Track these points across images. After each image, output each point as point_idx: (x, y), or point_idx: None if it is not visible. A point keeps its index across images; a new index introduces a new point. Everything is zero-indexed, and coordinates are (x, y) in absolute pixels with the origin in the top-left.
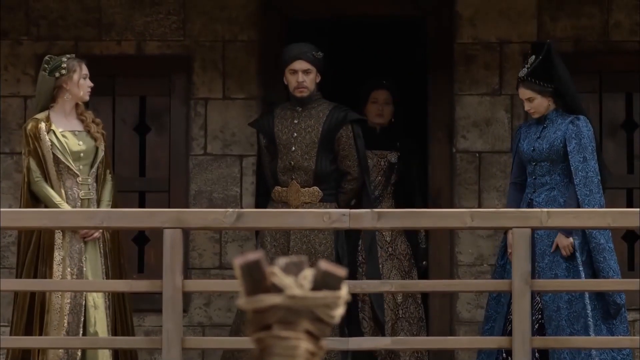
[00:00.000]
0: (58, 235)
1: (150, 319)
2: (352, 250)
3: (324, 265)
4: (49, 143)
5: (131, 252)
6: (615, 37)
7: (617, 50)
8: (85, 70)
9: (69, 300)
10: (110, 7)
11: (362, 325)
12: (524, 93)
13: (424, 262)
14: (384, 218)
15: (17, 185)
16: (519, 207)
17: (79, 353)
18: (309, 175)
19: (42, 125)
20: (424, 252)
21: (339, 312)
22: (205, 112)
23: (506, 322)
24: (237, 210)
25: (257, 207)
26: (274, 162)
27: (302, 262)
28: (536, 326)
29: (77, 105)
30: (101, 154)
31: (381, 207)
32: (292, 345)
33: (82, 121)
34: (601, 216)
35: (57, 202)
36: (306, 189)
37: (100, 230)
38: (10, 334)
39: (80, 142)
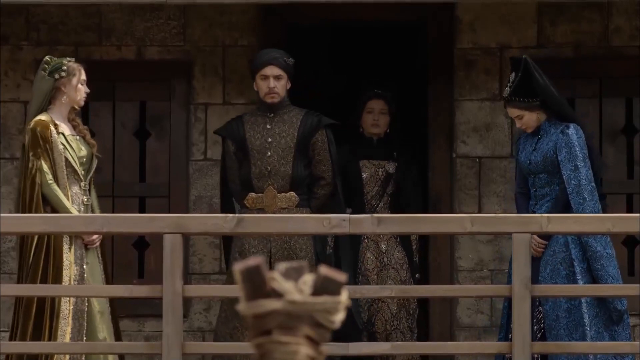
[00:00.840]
0: (65, 240)
1: (150, 324)
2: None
3: (324, 270)
4: (61, 146)
5: (131, 257)
6: (615, 42)
7: (617, 55)
8: (84, 75)
9: (72, 306)
10: (110, 12)
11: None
12: (512, 112)
13: (417, 275)
14: (384, 223)
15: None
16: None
17: (83, 358)
18: (286, 180)
19: (52, 127)
20: (416, 265)
21: (339, 317)
22: (206, 117)
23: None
24: (237, 215)
25: (227, 209)
26: (245, 168)
27: (302, 268)
28: (538, 335)
29: (70, 111)
30: (96, 160)
31: None
32: (292, 351)
33: (74, 127)
34: (601, 221)
35: (67, 207)
36: (283, 194)
37: (101, 237)
38: (15, 338)
39: (82, 147)
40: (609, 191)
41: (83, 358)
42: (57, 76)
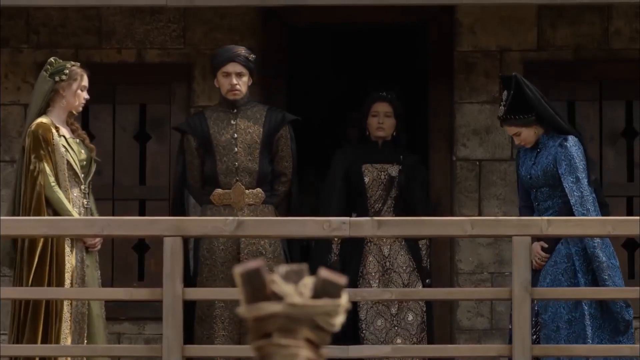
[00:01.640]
0: (67, 243)
1: (151, 327)
2: (301, 251)
3: (324, 273)
4: (63, 149)
5: (131, 260)
6: (615, 44)
7: (617, 58)
8: (85, 81)
9: (73, 309)
10: (110, 15)
11: None
12: (510, 130)
13: (428, 281)
14: (384, 226)
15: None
16: None
17: None
18: (253, 176)
19: (53, 129)
20: (427, 270)
21: (339, 320)
22: None
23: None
24: (237, 218)
25: (174, 212)
26: (209, 164)
27: (302, 270)
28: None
29: (69, 114)
30: (94, 164)
31: None
32: (292, 353)
33: (72, 131)
34: (601, 224)
35: (69, 210)
36: (250, 190)
37: (102, 241)
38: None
39: (82, 151)
40: (609, 194)
41: None
42: (57, 78)
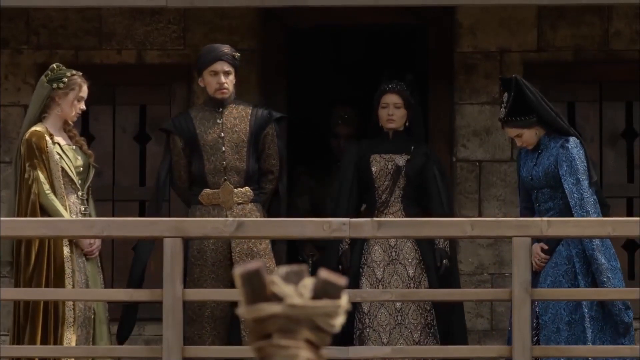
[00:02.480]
0: (66, 249)
1: (151, 328)
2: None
3: (324, 274)
4: (57, 156)
5: (131, 262)
6: (615, 46)
7: (617, 59)
8: (84, 92)
9: (79, 314)
10: (110, 16)
11: None
12: (511, 132)
13: (445, 261)
14: (385, 227)
15: None
16: None
17: None
18: (241, 175)
19: (47, 137)
20: (444, 252)
21: (339, 321)
22: None
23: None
24: (237, 219)
25: (153, 211)
26: (197, 164)
27: (302, 271)
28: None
29: (65, 121)
30: (93, 170)
31: (388, 212)
32: (292, 354)
33: (70, 138)
34: (601, 225)
35: (65, 217)
36: (239, 189)
37: (100, 247)
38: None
39: (78, 157)
40: (609, 195)
41: None
42: (55, 85)
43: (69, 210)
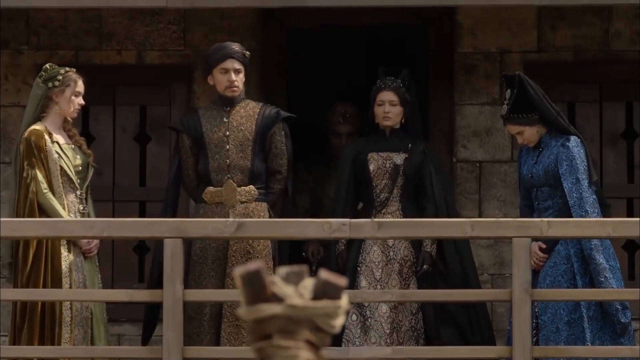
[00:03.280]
0: (63, 247)
1: None
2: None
3: (324, 274)
4: (56, 155)
5: (131, 262)
6: (615, 46)
7: (618, 60)
8: (80, 87)
9: (76, 314)
10: (110, 17)
11: None
12: (512, 129)
13: (425, 266)
14: (384, 228)
15: None
16: None
17: None
18: (245, 174)
19: (46, 136)
20: (428, 255)
21: (339, 321)
22: None
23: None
24: (237, 219)
25: (170, 210)
26: (202, 162)
27: (302, 272)
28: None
29: (64, 120)
30: (92, 170)
31: (387, 211)
32: (292, 355)
33: (70, 137)
34: (601, 225)
35: (63, 216)
36: (242, 188)
37: (98, 246)
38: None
39: (77, 156)
40: (609, 195)
41: None
42: (50, 85)
43: (68, 209)
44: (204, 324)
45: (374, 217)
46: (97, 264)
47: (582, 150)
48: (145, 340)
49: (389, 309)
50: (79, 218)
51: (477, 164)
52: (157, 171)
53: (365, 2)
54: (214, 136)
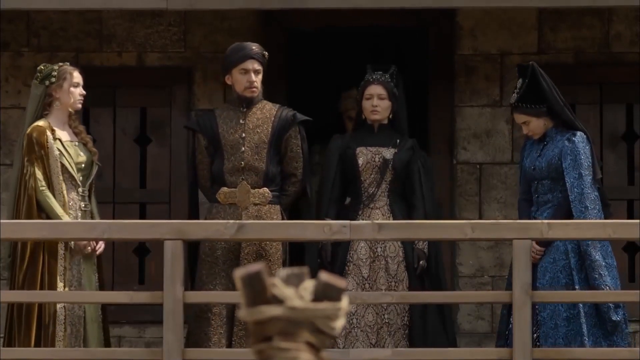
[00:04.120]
0: (60, 246)
1: (151, 331)
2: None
3: (325, 276)
4: (57, 152)
5: (132, 264)
6: (615, 48)
7: (618, 62)
8: (77, 78)
9: (68, 312)
10: (111, 19)
11: None
12: (519, 118)
13: (422, 262)
14: (384, 229)
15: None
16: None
17: None
18: (260, 176)
19: (49, 133)
20: (422, 252)
21: (340, 323)
22: None
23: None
24: (237, 221)
25: (193, 212)
26: (217, 163)
27: (303, 274)
28: (537, 345)
29: (70, 117)
30: (96, 167)
31: (375, 206)
32: (293, 357)
33: (76, 134)
34: (601, 227)
35: (60, 214)
36: (256, 190)
37: (103, 248)
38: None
39: (81, 153)
40: (610, 197)
41: None
42: (47, 83)
43: (69, 207)
44: (213, 324)
45: (362, 212)
46: (96, 264)
47: (587, 147)
48: (192, 281)
49: (375, 317)
50: (79, 215)
51: (478, 166)
52: (157, 173)
53: (366, 4)
54: (230, 137)
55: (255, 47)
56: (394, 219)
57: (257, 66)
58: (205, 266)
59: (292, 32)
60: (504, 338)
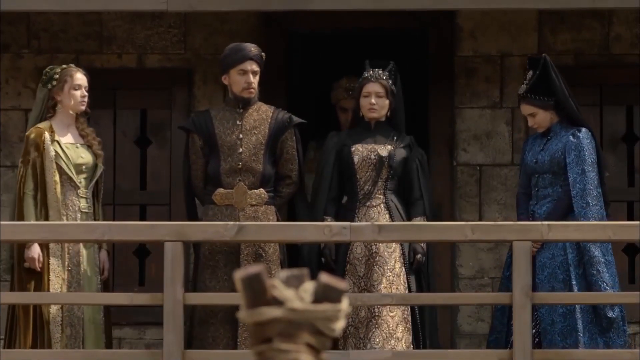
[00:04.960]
0: (58, 247)
1: (151, 332)
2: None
3: (325, 278)
4: (53, 153)
5: (132, 265)
6: (615, 50)
7: (618, 63)
8: (78, 80)
9: (67, 313)
10: (111, 20)
11: None
12: (526, 109)
13: (418, 256)
14: (385, 231)
15: None
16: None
17: None
18: (256, 177)
19: (47, 134)
20: (418, 247)
21: (340, 324)
22: None
23: (509, 332)
24: (237, 223)
25: (191, 213)
26: (213, 164)
27: (303, 275)
28: (536, 340)
29: (77, 119)
30: (100, 170)
31: (371, 204)
32: (293, 358)
33: (82, 137)
34: (602, 229)
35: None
36: (253, 191)
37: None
38: (13, 346)
39: (83, 155)
40: (610, 199)
41: None
42: (49, 86)
43: (67, 208)
44: (219, 329)
45: (358, 210)
46: (97, 264)
47: (592, 143)
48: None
49: (367, 310)
50: (79, 217)
51: (478, 168)
52: (157, 175)
53: (366, 6)
54: (227, 138)
55: (253, 48)
56: (390, 216)
57: (255, 67)
58: (207, 270)
59: (292, 34)
60: (496, 332)
